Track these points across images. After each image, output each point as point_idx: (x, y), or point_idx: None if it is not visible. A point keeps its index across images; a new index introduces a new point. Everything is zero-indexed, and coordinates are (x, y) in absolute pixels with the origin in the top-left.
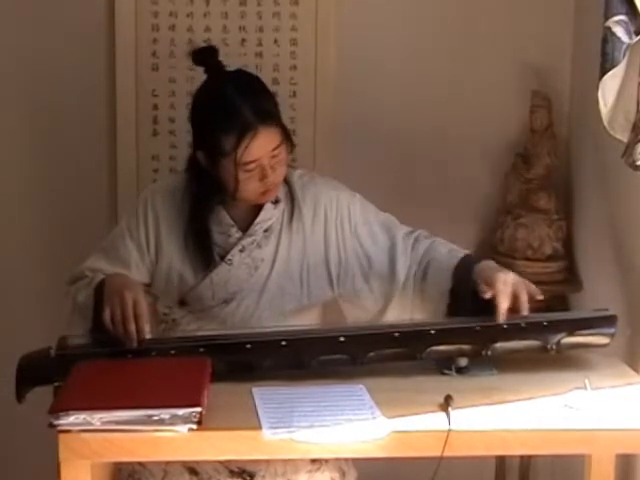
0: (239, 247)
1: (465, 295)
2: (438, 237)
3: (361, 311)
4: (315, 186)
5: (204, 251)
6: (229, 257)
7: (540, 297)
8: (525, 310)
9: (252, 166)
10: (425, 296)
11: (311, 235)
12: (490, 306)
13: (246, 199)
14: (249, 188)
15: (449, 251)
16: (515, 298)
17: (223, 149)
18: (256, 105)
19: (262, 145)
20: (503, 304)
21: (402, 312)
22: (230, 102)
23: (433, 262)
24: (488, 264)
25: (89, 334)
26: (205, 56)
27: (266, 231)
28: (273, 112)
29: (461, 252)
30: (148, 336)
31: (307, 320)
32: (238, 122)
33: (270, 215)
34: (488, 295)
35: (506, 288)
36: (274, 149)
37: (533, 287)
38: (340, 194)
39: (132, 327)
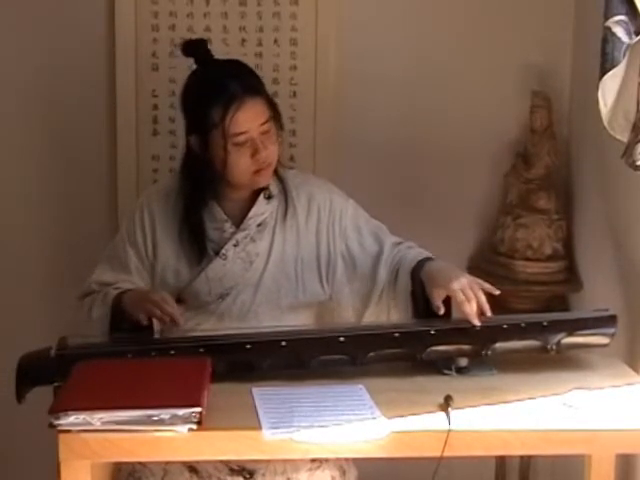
0: (233, 241)
1: (419, 296)
2: (422, 248)
3: (341, 313)
4: (310, 185)
5: (198, 246)
6: (223, 252)
7: (496, 292)
8: (487, 310)
9: (241, 138)
10: (397, 302)
11: (305, 232)
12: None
13: (239, 180)
14: (240, 164)
15: (416, 255)
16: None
17: (212, 122)
18: (242, 80)
19: (250, 116)
20: (469, 309)
21: (379, 317)
22: (217, 78)
23: (401, 267)
24: (437, 266)
25: (110, 336)
26: (195, 47)
27: (259, 225)
28: (259, 87)
29: (424, 255)
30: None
31: (303, 319)
32: (225, 93)
33: (263, 210)
34: (442, 312)
35: (466, 294)
36: (263, 123)
37: (487, 285)
38: (334, 196)
39: (168, 309)
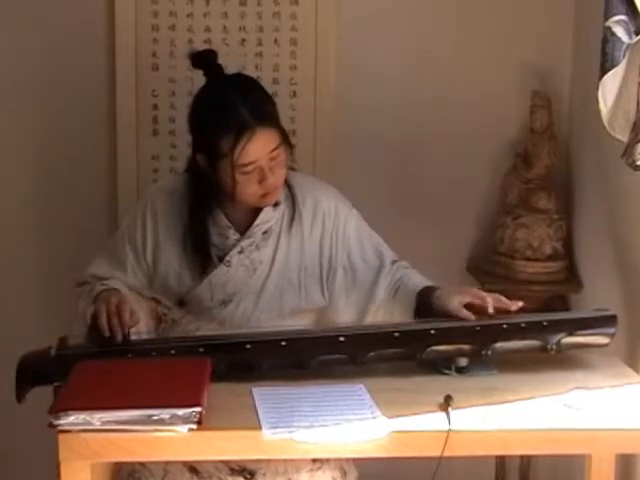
0: (238, 249)
1: (425, 315)
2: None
3: (336, 322)
4: (316, 191)
5: (202, 252)
6: (227, 259)
7: (514, 308)
8: (511, 303)
9: (250, 168)
10: (394, 316)
11: (309, 239)
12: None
13: (246, 202)
14: (248, 191)
15: (420, 280)
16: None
17: (221, 151)
18: (254, 106)
19: (259, 146)
20: (482, 294)
21: None
22: (228, 103)
23: (403, 286)
24: (449, 287)
25: (86, 335)
26: (204, 59)
27: (265, 233)
28: (271, 113)
29: (429, 283)
30: (135, 335)
31: (304, 323)
32: (235, 123)
33: (269, 217)
34: (473, 318)
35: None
36: (272, 151)
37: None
38: (339, 205)
39: (115, 320)
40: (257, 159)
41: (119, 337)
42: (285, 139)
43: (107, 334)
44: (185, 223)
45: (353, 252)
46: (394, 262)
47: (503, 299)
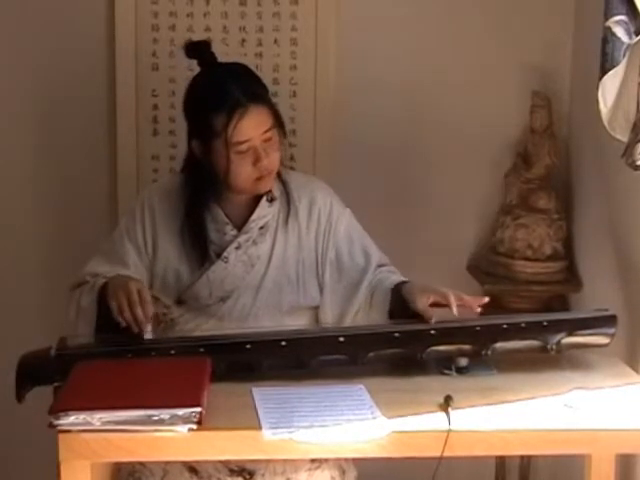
0: (235, 244)
1: (397, 315)
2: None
3: (322, 320)
4: (312, 189)
5: (200, 248)
6: (225, 254)
7: (477, 308)
8: (476, 300)
9: (244, 147)
10: (371, 319)
11: (306, 235)
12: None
13: (241, 187)
14: (242, 172)
15: (396, 278)
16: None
17: (214, 129)
18: (246, 87)
19: (252, 125)
20: (452, 299)
21: None
22: (221, 84)
23: (378, 289)
24: (420, 283)
25: (93, 335)
26: (198, 49)
27: (262, 228)
28: (263, 95)
29: (403, 279)
30: (149, 335)
31: (302, 321)
32: (228, 101)
33: (265, 212)
34: (434, 320)
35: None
36: (265, 132)
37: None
38: (334, 202)
39: (139, 311)
40: (251, 138)
41: (145, 328)
42: (279, 122)
43: (135, 329)
44: (182, 220)
45: (341, 250)
46: (380, 266)
47: (465, 298)
